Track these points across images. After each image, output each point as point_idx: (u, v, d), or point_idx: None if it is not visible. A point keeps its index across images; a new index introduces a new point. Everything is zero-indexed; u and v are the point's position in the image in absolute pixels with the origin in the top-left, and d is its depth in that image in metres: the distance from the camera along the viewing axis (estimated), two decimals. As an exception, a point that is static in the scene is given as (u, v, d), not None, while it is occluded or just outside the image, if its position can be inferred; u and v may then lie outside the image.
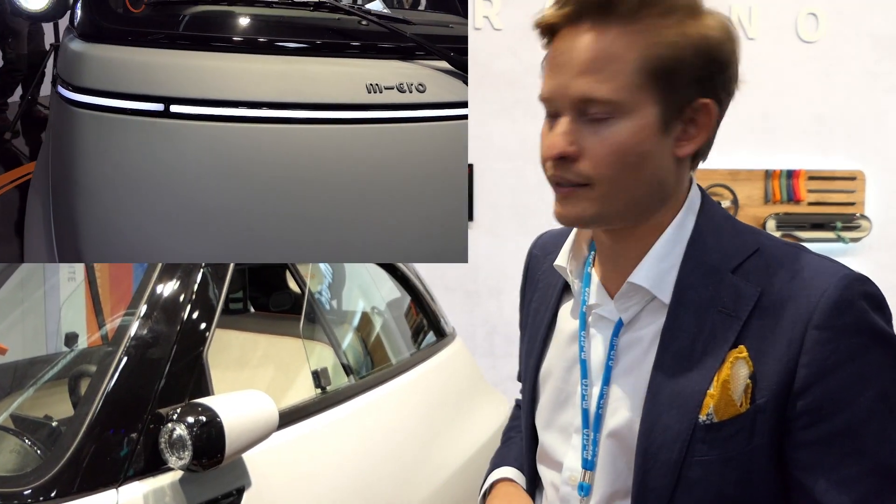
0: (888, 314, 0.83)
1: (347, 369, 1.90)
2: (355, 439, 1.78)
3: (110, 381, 1.33)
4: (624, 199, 0.84)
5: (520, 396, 1.23)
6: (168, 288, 1.47)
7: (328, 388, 1.76)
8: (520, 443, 1.12)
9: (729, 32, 0.83)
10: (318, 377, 1.74)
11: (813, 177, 4.60)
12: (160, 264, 1.49)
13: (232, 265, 1.60)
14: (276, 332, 2.30)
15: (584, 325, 0.95)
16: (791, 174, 4.59)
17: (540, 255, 1.11)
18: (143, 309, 1.42)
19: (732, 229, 0.90)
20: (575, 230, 0.98)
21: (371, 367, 2.10)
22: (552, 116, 0.85)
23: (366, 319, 2.31)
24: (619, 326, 0.91)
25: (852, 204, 4.65)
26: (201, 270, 1.52)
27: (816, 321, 0.80)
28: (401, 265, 2.33)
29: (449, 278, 4.37)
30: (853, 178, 4.65)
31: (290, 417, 1.58)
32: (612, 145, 0.80)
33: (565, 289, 1.02)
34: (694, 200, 0.91)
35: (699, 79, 0.80)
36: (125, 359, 1.36)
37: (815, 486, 0.81)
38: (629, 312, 0.91)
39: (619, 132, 0.80)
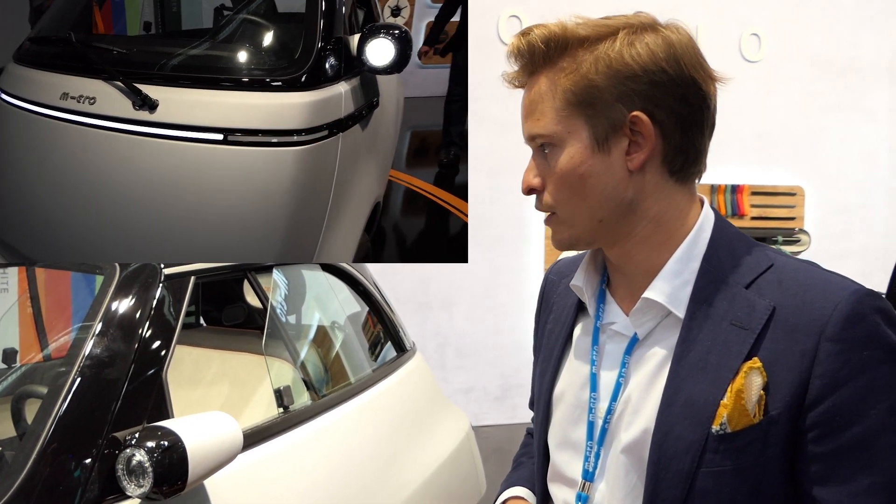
0: None
1: (309, 387, 1.84)
2: (319, 460, 1.72)
3: (63, 403, 1.24)
4: (586, 218, 0.91)
5: (531, 426, 1.22)
6: (125, 304, 1.39)
7: (291, 406, 1.69)
8: (531, 466, 1.13)
9: (639, 45, 0.86)
10: (281, 396, 1.68)
11: (756, 192, 4.74)
12: (116, 278, 1.42)
13: (192, 279, 1.53)
14: (231, 347, 2.21)
15: (596, 341, 0.97)
16: (735, 189, 4.71)
17: (555, 280, 1.13)
18: (98, 326, 1.34)
19: (746, 246, 0.92)
20: (589, 251, 1.02)
21: (333, 385, 2.04)
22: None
23: (326, 334, 2.25)
24: (633, 342, 0.93)
25: (792, 219, 4.80)
26: (160, 285, 1.45)
27: (829, 333, 0.81)
28: (361, 278, 2.28)
29: (400, 290, 4.32)
30: (793, 194, 4.81)
31: (252, 439, 1.52)
32: (557, 172, 0.90)
33: (580, 309, 1.03)
34: (707, 218, 0.94)
35: (618, 96, 0.86)
36: (79, 379, 1.27)
37: (827, 500, 0.81)
38: (644, 328, 0.92)
39: (559, 160, 0.89)
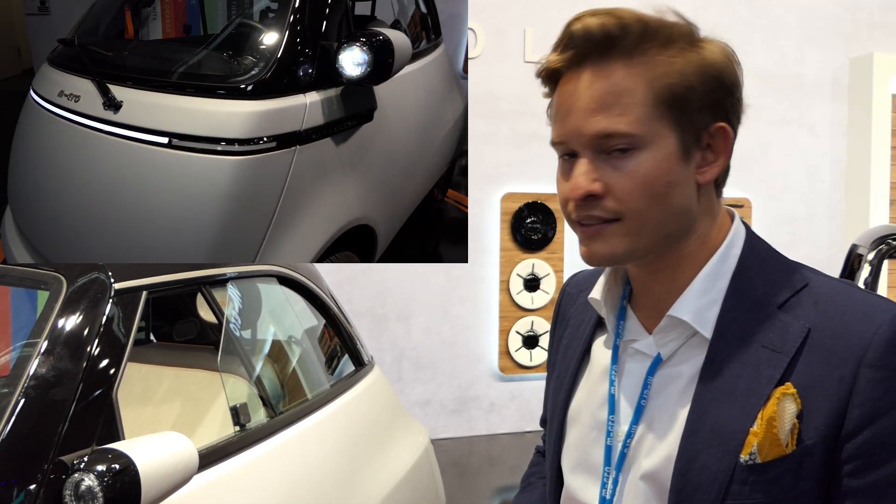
0: None
1: (266, 404, 1.79)
2: (278, 479, 1.67)
3: (5, 425, 1.18)
4: (653, 230, 0.83)
5: (541, 443, 1.17)
6: (72, 320, 1.33)
7: (247, 424, 1.64)
8: (541, 488, 1.06)
9: (730, 57, 0.84)
10: (237, 413, 1.63)
11: (705, 204, 4.86)
12: (63, 293, 1.36)
13: (145, 294, 1.47)
14: (183, 363, 2.15)
15: (615, 359, 0.91)
16: (686, 201, 4.81)
17: (573, 293, 1.06)
18: (43, 344, 1.28)
19: (779, 264, 0.87)
20: None
21: (290, 401, 1.99)
22: (567, 159, 0.85)
23: (282, 349, 2.20)
24: (656, 362, 0.87)
25: (740, 230, 4.92)
26: (110, 301, 1.39)
27: (870, 359, 0.76)
28: (318, 291, 2.24)
29: (357, 302, 4.28)
30: (741, 206, 4.92)
31: (208, 458, 1.46)
32: (639, 178, 0.80)
33: (599, 324, 0.97)
34: (738, 234, 0.88)
35: (710, 104, 0.82)
36: (23, 400, 1.21)
37: None
38: (668, 348, 0.87)
39: (643, 164, 0.80)
